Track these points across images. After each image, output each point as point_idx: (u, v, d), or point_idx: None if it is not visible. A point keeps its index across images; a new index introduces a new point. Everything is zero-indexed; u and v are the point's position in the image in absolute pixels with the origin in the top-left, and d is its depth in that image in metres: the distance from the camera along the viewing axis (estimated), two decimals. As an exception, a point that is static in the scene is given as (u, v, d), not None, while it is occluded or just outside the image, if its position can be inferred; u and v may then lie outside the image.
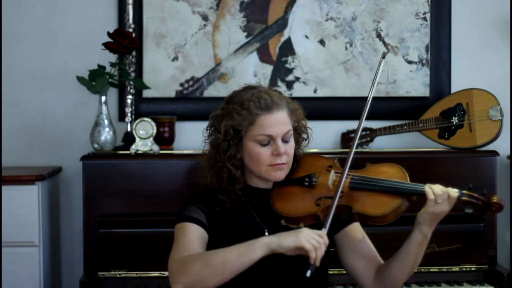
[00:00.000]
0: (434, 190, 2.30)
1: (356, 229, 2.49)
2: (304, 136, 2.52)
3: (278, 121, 2.39)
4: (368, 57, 3.60)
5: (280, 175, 2.42)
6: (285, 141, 2.41)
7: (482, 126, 3.40)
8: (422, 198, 2.32)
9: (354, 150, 2.37)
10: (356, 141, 2.39)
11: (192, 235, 2.38)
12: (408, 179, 2.38)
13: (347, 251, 2.48)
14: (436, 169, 3.32)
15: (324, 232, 2.23)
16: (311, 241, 2.19)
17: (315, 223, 2.37)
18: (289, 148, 2.42)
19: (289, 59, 3.60)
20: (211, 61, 3.59)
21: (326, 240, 2.21)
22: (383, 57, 2.48)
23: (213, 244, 2.42)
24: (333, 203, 2.30)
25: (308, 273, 2.18)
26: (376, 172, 2.41)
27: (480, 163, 3.34)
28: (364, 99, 2.45)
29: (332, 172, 2.43)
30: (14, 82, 3.58)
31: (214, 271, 2.23)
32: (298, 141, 2.50)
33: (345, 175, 2.34)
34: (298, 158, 2.52)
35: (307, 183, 2.42)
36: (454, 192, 2.30)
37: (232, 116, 2.39)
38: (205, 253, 2.32)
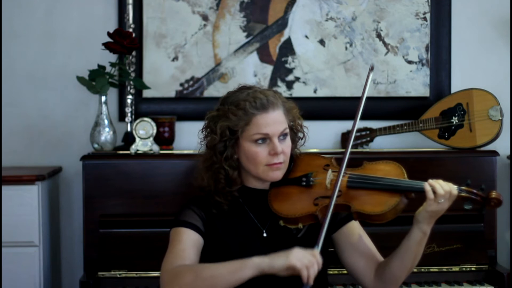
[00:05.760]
0: (436, 189, 2.29)
1: (354, 227, 2.49)
2: (300, 135, 2.52)
3: (274, 120, 2.39)
4: (368, 57, 3.60)
5: (278, 175, 2.41)
6: (281, 140, 2.40)
7: (482, 126, 3.40)
8: (420, 195, 2.31)
9: (349, 150, 2.36)
10: (351, 141, 2.37)
11: (187, 242, 2.38)
12: (405, 176, 2.38)
13: (346, 249, 2.48)
14: (436, 169, 3.32)
15: (316, 251, 2.22)
16: (303, 260, 2.18)
17: (314, 223, 2.37)
18: (286, 147, 2.41)
19: (289, 59, 3.60)
20: (211, 61, 3.59)
21: (319, 259, 2.21)
22: (371, 69, 2.45)
23: (211, 247, 2.42)
24: (330, 206, 2.29)
25: None
26: (373, 170, 2.41)
27: (480, 163, 3.34)
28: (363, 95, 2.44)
29: (330, 171, 2.42)
30: (14, 82, 3.58)
31: (204, 285, 2.24)
32: (294, 140, 2.49)
33: (341, 176, 2.33)
34: (295, 158, 2.51)
35: (304, 183, 2.42)
36: (454, 189, 2.30)
37: (228, 116, 2.39)
38: (197, 265, 2.32)
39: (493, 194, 2.31)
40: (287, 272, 2.20)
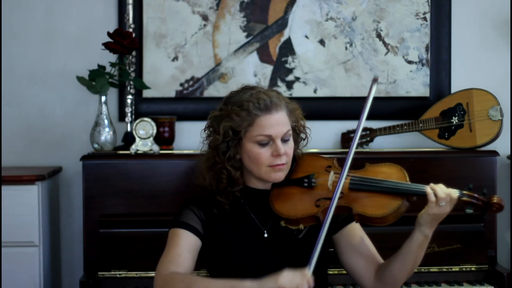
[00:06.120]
0: (437, 192, 2.29)
1: (355, 229, 2.48)
2: (303, 136, 2.51)
3: (278, 122, 2.38)
4: (368, 57, 3.60)
5: (280, 176, 2.41)
6: (284, 141, 2.40)
7: (482, 126, 3.41)
8: (422, 198, 2.31)
9: (352, 154, 2.36)
10: (354, 146, 2.37)
11: (183, 245, 2.37)
12: (407, 179, 2.38)
13: (347, 250, 2.48)
14: (436, 169, 3.32)
15: (308, 270, 2.20)
16: (292, 281, 2.16)
17: (315, 224, 2.37)
18: (289, 148, 2.41)
19: (289, 59, 3.60)
20: (211, 61, 3.59)
21: (309, 279, 2.18)
22: (375, 80, 2.43)
23: (212, 247, 2.42)
24: (331, 207, 2.29)
25: None
26: (375, 173, 2.41)
27: (480, 163, 3.35)
28: (365, 99, 2.44)
29: (332, 173, 2.42)
30: (14, 82, 3.58)
31: None
32: (296, 141, 2.49)
33: (343, 178, 2.33)
34: (297, 158, 2.50)
35: (306, 184, 2.42)
36: (454, 193, 2.30)
37: (231, 117, 2.38)
38: (190, 277, 2.30)
39: (495, 199, 2.30)
40: None
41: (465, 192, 2.31)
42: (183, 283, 2.26)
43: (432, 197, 2.29)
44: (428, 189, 2.30)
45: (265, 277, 2.19)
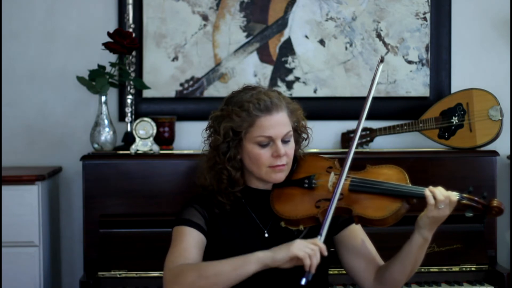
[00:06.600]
0: (435, 195, 2.29)
1: (356, 230, 2.48)
2: (304, 136, 2.51)
3: (278, 123, 2.38)
4: (368, 57, 3.60)
5: (280, 176, 2.41)
6: (285, 142, 2.40)
7: (482, 126, 3.41)
8: (422, 200, 2.31)
9: (352, 154, 2.36)
10: (354, 146, 2.37)
11: (189, 241, 2.37)
12: (408, 181, 2.37)
13: (347, 252, 2.48)
14: (436, 169, 3.32)
15: (319, 240, 2.23)
16: (305, 249, 2.19)
17: (315, 225, 2.37)
18: (289, 149, 2.41)
19: (289, 59, 3.60)
20: (211, 61, 3.59)
21: (322, 246, 2.21)
22: (381, 60, 2.44)
23: (213, 246, 2.42)
24: (330, 208, 2.29)
25: (303, 281, 2.19)
26: (376, 174, 2.40)
27: (480, 163, 3.34)
28: (365, 99, 2.44)
29: (332, 174, 2.42)
30: (14, 82, 3.58)
31: (208, 283, 2.23)
32: (298, 142, 2.49)
33: (343, 179, 2.33)
34: (298, 159, 2.50)
35: (306, 185, 2.42)
36: (454, 196, 2.30)
37: (231, 117, 2.39)
38: (200, 264, 2.32)
39: (495, 203, 2.30)
40: (290, 263, 2.21)
41: (464, 195, 2.31)
42: (193, 270, 2.26)
43: (431, 200, 2.28)
44: (427, 191, 2.30)
45: (276, 247, 2.21)
